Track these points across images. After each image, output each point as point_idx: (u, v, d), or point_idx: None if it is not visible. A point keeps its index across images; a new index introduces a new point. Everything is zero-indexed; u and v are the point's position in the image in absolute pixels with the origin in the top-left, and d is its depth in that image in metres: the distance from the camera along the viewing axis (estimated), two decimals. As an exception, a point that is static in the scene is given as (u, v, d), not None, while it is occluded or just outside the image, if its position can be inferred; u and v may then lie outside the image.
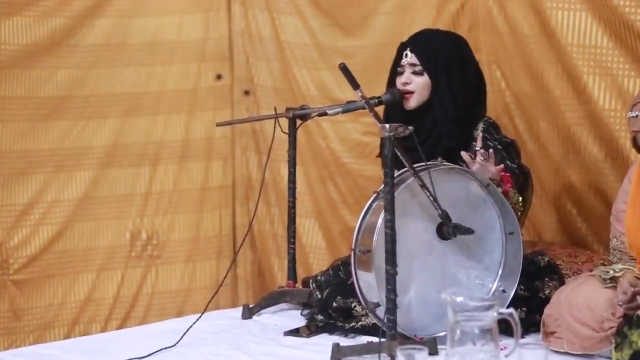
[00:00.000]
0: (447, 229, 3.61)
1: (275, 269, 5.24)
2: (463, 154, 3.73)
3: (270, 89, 5.19)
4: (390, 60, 4.06)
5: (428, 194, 3.54)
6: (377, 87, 4.08)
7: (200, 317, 3.91)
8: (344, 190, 4.99)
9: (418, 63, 3.96)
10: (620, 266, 3.56)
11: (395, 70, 4.02)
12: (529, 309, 3.73)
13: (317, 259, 5.08)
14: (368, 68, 4.53)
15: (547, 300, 3.68)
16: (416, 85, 3.96)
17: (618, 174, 4.13)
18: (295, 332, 3.89)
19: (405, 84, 3.96)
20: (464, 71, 3.97)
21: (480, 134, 3.90)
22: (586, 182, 4.33)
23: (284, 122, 4.27)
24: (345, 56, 4.74)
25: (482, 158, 3.72)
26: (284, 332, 3.89)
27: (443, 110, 3.94)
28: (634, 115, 3.57)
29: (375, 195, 3.66)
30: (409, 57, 3.97)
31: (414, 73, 3.96)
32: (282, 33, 5.09)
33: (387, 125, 3.47)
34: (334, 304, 3.87)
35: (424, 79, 3.96)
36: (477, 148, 3.81)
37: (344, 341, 3.68)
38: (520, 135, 4.45)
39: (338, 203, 5.02)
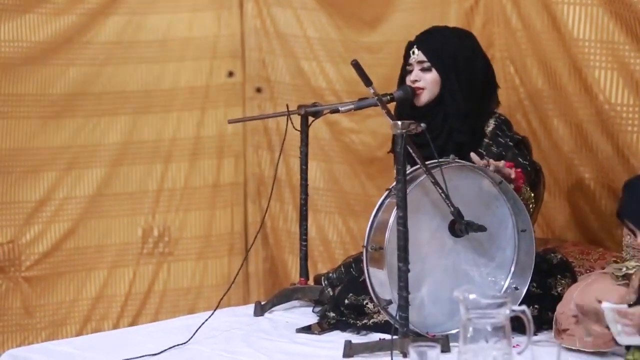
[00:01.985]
0: (459, 226, 3.60)
1: (289, 266, 5.23)
2: (473, 156, 3.71)
3: (288, 86, 5.18)
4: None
5: (440, 191, 3.53)
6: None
7: (212, 314, 3.91)
8: (382, 185, 4.94)
9: (425, 60, 3.97)
10: (633, 263, 3.55)
11: (405, 68, 4.03)
12: (541, 307, 3.72)
13: (341, 254, 5.05)
14: (396, 64, 4.50)
15: (559, 297, 3.67)
16: (425, 82, 3.97)
17: (632, 171, 4.11)
18: (307, 330, 3.88)
19: (415, 81, 3.97)
20: (471, 65, 3.97)
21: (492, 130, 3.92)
22: (599, 179, 4.31)
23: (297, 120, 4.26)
24: (372, 51, 4.74)
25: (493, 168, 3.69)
26: (296, 330, 3.88)
27: (454, 104, 3.93)
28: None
29: (387, 192, 3.65)
30: (417, 55, 3.99)
31: (423, 70, 3.98)
32: (307, 28, 5.08)
33: (399, 123, 3.46)
34: (346, 301, 3.86)
35: (433, 75, 3.96)
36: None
37: (356, 338, 3.67)
38: (534, 131, 4.44)
39: (375, 197, 4.98)
